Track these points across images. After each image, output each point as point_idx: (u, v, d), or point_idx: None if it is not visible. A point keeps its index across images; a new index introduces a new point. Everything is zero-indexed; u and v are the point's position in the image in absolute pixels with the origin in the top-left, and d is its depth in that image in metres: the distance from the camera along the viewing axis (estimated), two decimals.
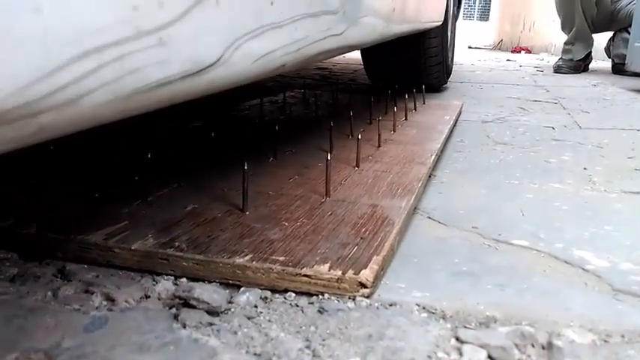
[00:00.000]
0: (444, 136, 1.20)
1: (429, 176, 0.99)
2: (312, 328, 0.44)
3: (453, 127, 1.42)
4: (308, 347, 0.41)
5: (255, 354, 0.40)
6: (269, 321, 0.46)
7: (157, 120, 1.47)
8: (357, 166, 0.91)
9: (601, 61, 3.94)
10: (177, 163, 0.91)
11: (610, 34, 3.43)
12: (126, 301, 0.47)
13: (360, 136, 0.93)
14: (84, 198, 0.72)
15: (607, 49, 3.52)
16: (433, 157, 1.01)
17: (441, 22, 1.79)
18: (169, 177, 0.82)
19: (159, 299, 0.48)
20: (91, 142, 1.01)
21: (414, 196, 0.78)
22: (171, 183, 0.79)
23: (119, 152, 0.98)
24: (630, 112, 1.86)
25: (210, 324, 0.43)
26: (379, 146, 1.06)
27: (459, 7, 2.55)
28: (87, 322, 0.43)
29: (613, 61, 3.33)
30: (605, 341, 0.45)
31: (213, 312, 0.45)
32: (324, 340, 0.42)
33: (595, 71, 3.44)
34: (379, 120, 1.12)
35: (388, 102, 1.46)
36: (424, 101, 1.64)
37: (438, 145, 1.11)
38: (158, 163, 0.89)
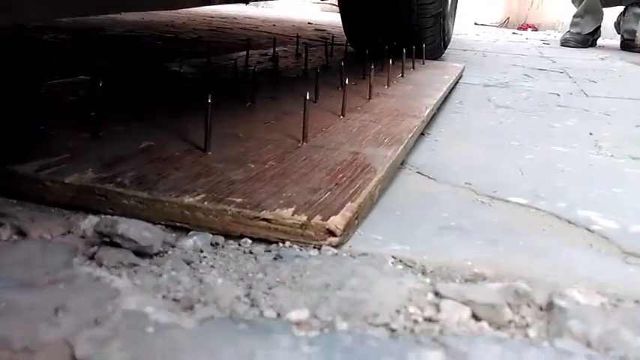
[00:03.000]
0: (442, 93, 1.12)
1: (422, 134, 0.90)
2: (260, 275, 0.36)
3: (453, 88, 1.33)
4: (247, 295, 0.33)
5: (173, 299, 0.32)
6: (211, 267, 0.38)
7: (132, 59, 1.38)
8: (343, 115, 0.83)
9: (609, 39, 3.82)
10: (145, 102, 0.83)
11: (620, 9, 3.31)
12: (40, 237, 0.39)
13: (347, 81, 0.84)
14: (28, 129, 0.63)
15: (617, 25, 3.40)
16: (428, 111, 0.92)
17: None
18: (132, 115, 0.73)
19: (82, 237, 0.40)
20: (50, 70, 0.92)
21: (402, 147, 0.70)
22: (132, 120, 0.71)
23: (80, 87, 0.88)
24: (638, 84, 1.77)
25: (133, 265, 0.36)
26: (370, 98, 0.98)
27: None
28: None
29: (622, 36, 3.22)
30: (616, 306, 0.37)
31: (142, 253, 0.37)
32: (270, 288, 0.34)
33: (603, 47, 3.33)
34: (372, 72, 1.03)
35: (385, 59, 1.37)
36: (424, 62, 1.55)
37: (434, 100, 1.02)
38: (123, 102, 0.81)
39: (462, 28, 4.15)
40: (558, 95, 1.44)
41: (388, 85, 1.11)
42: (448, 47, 1.99)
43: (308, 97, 0.66)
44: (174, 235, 0.45)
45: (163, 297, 0.32)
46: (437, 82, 1.24)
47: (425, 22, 1.66)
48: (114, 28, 2.12)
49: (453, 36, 2.54)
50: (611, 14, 3.38)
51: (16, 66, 1.22)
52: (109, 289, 0.32)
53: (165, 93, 0.93)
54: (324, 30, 2.89)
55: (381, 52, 1.33)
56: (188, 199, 0.47)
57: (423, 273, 0.40)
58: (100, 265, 0.35)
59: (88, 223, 0.42)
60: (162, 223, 0.47)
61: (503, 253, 0.47)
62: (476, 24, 7.40)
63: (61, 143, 0.59)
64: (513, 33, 4.36)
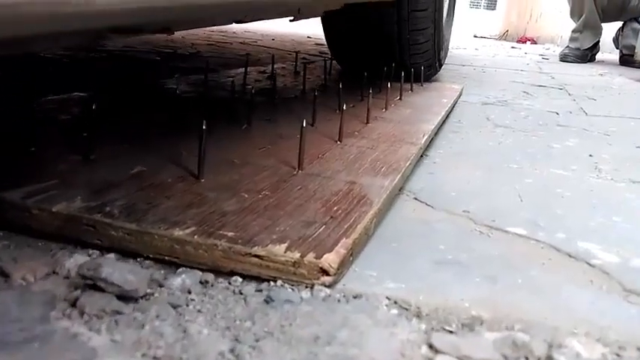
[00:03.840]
0: (440, 117, 1.10)
1: (420, 155, 0.89)
2: (248, 324, 0.35)
3: (451, 110, 1.32)
4: (232, 351, 0.31)
5: (154, 357, 0.30)
6: (198, 311, 0.36)
7: (130, 76, 1.37)
8: (340, 141, 0.82)
9: (607, 54, 3.83)
10: (140, 122, 0.82)
11: (619, 24, 3.32)
12: (23, 279, 0.37)
13: (344, 107, 0.83)
14: (18, 151, 0.62)
15: (615, 40, 3.41)
16: (425, 137, 0.91)
17: None
18: (126, 136, 0.72)
19: (66, 277, 0.39)
20: (41, 93, 0.91)
21: (399, 176, 0.68)
22: (124, 142, 0.69)
23: (74, 104, 0.87)
24: (638, 102, 1.77)
25: (117, 312, 0.34)
26: (367, 122, 0.96)
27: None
28: None
29: (621, 52, 3.22)
30: (618, 355, 0.36)
31: (127, 297, 0.36)
32: (257, 340, 0.33)
33: (602, 62, 3.33)
34: (370, 95, 1.01)
35: (383, 80, 1.36)
36: (422, 83, 1.53)
37: (432, 126, 1.00)
38: (117, 122, 0.79)
39: (461, 41, 4.16)
40: (557, 114, 1.43)
41: (386, 109, 1.10)
42: (447, 62, 1.96)
43: (305, 124, 0.65)
44: (162, 272, 0.44)
45: (143, 355, 0.30)
46: (435, 105, 1.23)
47: (417, 59, 1.55)
48: (113, 42, 2.11)
49: (451, 50, 2.53)
50: (609, 29, 3.39)
51: (10, 82, 1.21)
52: (86, 349, 0.30)
53: (160, 113, 0.92)
54: (324, 44, 2.89)
55: (379, 74, 1.32)
56: (178, 233, 0.46)
57: (418, 316, 0.39)
58: (82, 313, 0.33)
59: (73, 262, 0.40)
60: (151, 256, 0.46)
61: (501, 291, 0.46)
62: (475, 36, 7.43)
63: (51, 167, 0.58)
64: (512, 47, 4.37)
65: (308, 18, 0.93)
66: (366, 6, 1.36)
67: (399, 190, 0.71)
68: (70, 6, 0.29)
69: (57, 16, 0.29)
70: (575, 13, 3.18)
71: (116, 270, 0.36)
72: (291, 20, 0.85)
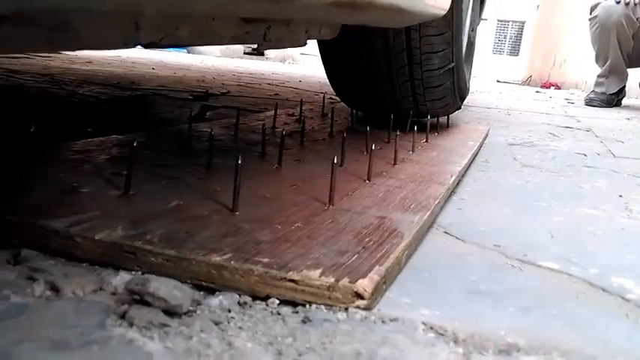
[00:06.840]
0: (467, 160, 1.11)
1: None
2: (289, 340, 0.35)
3: (478, 152, 1.32)
4: None
5: None
6: (239, 328, 0.37)
7: (160, 120, 1.42)
8: (369, 180, 0.83)
9: (634, 99, 3.82)
10: (176, 161, 0.84)
11: None
12: (73, 293, 0.39)
13: (373, 147, 0.85)
14: (62, 185, 0.65)
15: None
16: (453, 178, 0.92)
17: (444, 12, 1.04)
18: (162, 174, 0.74)
19: (113, 293, 0.40)
20: (84, 133, 0.95)
21: (428, 213, 0.69)
22: (161, 180, 0.72)
23: (112, 145, 0.91)
24: None
25: (164, 325, 0.35)
26: (395, 164, 0.97)
27: (482, 3, 1.87)
28: (1, 308, 0.35)
29: None
30: None
31: (172, 312, 0.37)
32: (300, 355, 0.34)
33: (628, 107, 3.32)
34: (397, 138, 1.03)
35: (409, 122, 1.38)
36: (448, 125, 1.55)
37: (459, 167, 1.01)
38: (154, 161, 0.82)
39: (485, 85, 4.20)
40: (585, 155, 1.43)
41: (413, 151, 1.11)
42: (472, 104, 1.99)
43: (335, 161, 0.67)
44: (201, 293, 0.45)
45: None
46: (462, 147, 1.24)
47: (435, 104, 1.44)
48: (148, 82, 2.20)
49: (476, 93, 2.56)
50: (635, 75, 3.39)
51: (52, 122, 1.26)
52: (142, 353, 0.31)
53: (194, 154, 0.95)
54: None
55: (405, 117, 1.34)
56: (215, 258, 0.47)
57: (455, 341, 0.39)
58: (131, 325, 0.35)
59: (120, 279, 0.42)
60: (189, 282, 0.47)
61: (536, 321, 0.45)
62: (498, 81, 7.49)
63: (92, 201, 0.60)
64: (537, 92, 4.39)
65: (283, 47, 0.69)
66: (371, 43, 1.32)
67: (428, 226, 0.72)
68: None
69: None
70: (600, 59, 3.20)
71: (162, 285, 0.37)
72: (254, 50, 0.63)
